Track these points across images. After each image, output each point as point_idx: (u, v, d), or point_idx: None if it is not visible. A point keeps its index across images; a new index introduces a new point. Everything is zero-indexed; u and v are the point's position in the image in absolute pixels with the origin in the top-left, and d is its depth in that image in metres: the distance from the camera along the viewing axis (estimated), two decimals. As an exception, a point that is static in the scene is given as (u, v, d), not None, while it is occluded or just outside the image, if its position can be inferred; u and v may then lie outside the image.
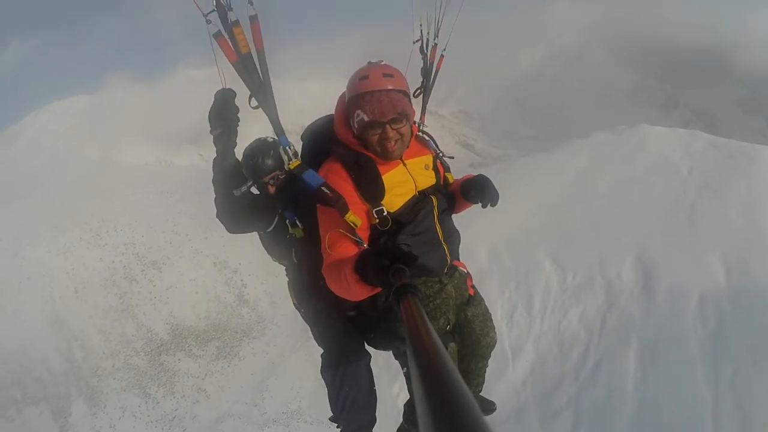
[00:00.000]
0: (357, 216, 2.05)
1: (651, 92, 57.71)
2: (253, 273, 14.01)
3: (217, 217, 2.84)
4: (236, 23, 2.23)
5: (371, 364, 3.08)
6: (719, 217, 10.19)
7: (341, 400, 2.92)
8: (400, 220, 2.23)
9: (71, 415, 11.48)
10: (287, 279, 3.09)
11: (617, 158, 12.69)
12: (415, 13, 2.97)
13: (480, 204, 2.49)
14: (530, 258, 10.85)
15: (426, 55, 3.00)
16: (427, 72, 2.98)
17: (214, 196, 2.79)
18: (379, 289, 1.71)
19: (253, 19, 2.28)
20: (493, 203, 2.48)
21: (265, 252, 3.21)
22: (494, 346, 2.88)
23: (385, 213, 2.16)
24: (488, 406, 3.22)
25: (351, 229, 2.04)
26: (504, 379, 9.58)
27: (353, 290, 1.75)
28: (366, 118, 2.09)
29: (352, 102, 2.15)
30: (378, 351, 2.80)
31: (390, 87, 2.09)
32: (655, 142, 12.84)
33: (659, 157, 12.27)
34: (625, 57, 61.31)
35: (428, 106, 2.93)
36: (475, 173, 2.68)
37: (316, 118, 2.62)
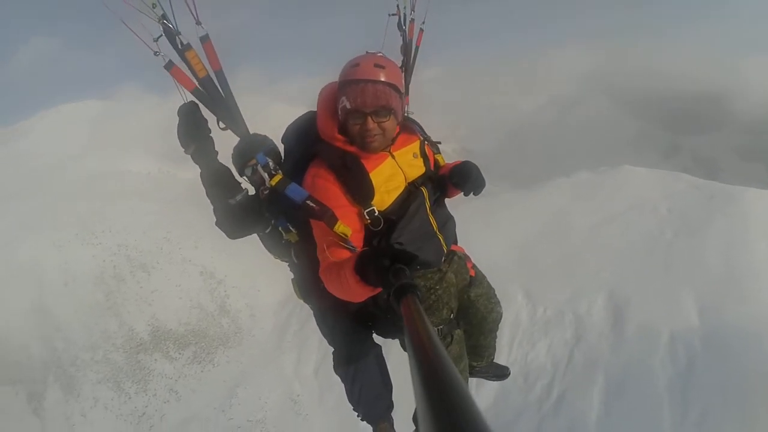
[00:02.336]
0: (347, 225, 2.01)
1: (652, 139, 57.73)
2: (237, 285, 14.30)
3: (216, 224, 2.84)
4: (188, 47, 2.20)
5: (384, 352, 3.16)
6: (696, 257, 10.16)
7: (356, 394, 3.00)
8: (393, 218, 2.18)
9: (45, 399, 11.73)
10: (291, 276, 3.08)
11: (597, 197, 12.79)
12: None
13: (462, 192, 2.42)
14: (503, 290, 10.98)
15: (404, 31, 2.89)
16: (407, 49, 2.89)
17: (212, 207, 2.81)
18: (379, 290, 1.67)
19: (204, 39, 2.26)
20: (476, 192, 2.39)
21: (267, 252, 3.19)
22: (501, 319, 2.89)
23: (377, 213, 2.11)
24: (503, 372, 3.31)
25: (343, 239, 2.01)
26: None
27: (353, 291, 1.73)
28: (348, 106, 2.04)
29: (340, 88, 2.10)
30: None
31: (378, 78, 2.01)
32: (635, 182, 12.91)
33: (639, 197, 12.29)
34: (626, 104, 61.51)
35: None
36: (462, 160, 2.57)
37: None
